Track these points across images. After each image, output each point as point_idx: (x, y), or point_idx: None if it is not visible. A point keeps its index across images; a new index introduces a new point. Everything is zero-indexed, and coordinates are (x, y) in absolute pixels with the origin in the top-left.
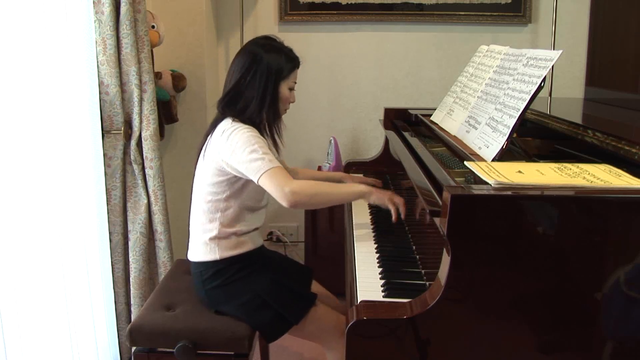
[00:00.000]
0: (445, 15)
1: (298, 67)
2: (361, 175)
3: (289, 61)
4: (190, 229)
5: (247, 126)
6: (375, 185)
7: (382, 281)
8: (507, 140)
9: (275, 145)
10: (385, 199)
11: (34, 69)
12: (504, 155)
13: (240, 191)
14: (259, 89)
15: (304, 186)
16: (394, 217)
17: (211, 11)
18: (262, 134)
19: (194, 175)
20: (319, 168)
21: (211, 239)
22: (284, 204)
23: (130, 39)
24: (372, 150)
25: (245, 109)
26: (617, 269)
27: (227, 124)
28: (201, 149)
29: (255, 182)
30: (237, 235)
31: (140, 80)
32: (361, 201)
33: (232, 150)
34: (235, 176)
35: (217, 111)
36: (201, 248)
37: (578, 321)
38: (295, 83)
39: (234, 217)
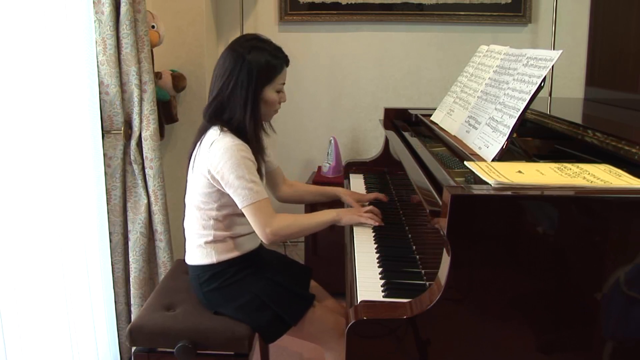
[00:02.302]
0: (445, 15)
1: (286, 66)
2: (364, 193)
3: (274, 61)
4: (185, 233)
5: (236, 141)
6: (380, 199)
7: (382, 281)
8: (507, 140)
9: (260, 157)
10: (355, 217)
11: (34, 69)
12: (504, 155)
13: (230, 199)
14: (241, 95)
15: (283, 227)
16: (377, 224)
17: (211, 11)
18: (250, 144)
19: (186, 181)
20: (319, 168)
21: (207, 243)
22: (263, 240)
23: (130, 39)
24: (372, 150)
25: (232, 118)
26: (617, 269)
27: (215, 134)
28: (190, 157)
29: (239, 208)
30: (233, 238)
31: (140, 80)
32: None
33: (220, 167)
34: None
35: (203, 116)
36: (197, 252)
37: (578, 321)
38: (284, 84)
39: (227, 223)
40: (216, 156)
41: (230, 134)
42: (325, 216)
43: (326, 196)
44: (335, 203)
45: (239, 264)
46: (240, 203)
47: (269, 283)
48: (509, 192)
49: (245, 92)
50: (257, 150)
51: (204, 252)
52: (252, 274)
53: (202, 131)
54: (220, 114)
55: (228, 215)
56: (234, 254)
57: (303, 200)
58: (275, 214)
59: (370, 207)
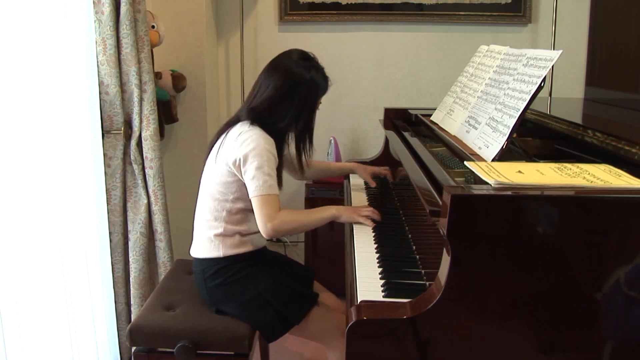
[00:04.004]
0: (445, 15)
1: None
2: (364, 192)
3: (325, 82)
4: (194, 224)
5: (264, 135)
6: (386, 174)
7: (382, 281)
8: (507, 140)
9: (299, 165)
10: (354, 216)
11: (34, 69)
12: (504, 155)
13: (247, 192)
14: (295, 110)
15: (284, 222)
16: (370, 225)
17: (211, 11)
18: (281, 145)
19: (202, 171)
20: None
21: (216, 235)
22: (262, 234)
23: (130, 39)
24: (372, 150)
25: (275, 124)
26: (617, 269)
27: (244, 126)
28: (212, 146)
29: (250, 196)
30: (242, 234)
31: (140, 80)
32: (362, 201)
33: (244, 154)
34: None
35: (237, 113)
36: (205, 244)
37: (578, 321)
38: (320, 102)
39: (239, 217)
40: (243, 144)
41: (260, 128)
42: (325, 212)
43: (342, 170)
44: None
45: (244, 261)
46: (251, 192)
47: (273, 281)
48: (509, 192)
49: (301, 108)
50: (300, 156)
51: (212, 245)
52: (256, 272)
53: (231, 123)
54: (265, 118)
55: (241, 210)
56: (241, 250)
57: (319, 176)
58: (280, 211)
59: (370, 209)
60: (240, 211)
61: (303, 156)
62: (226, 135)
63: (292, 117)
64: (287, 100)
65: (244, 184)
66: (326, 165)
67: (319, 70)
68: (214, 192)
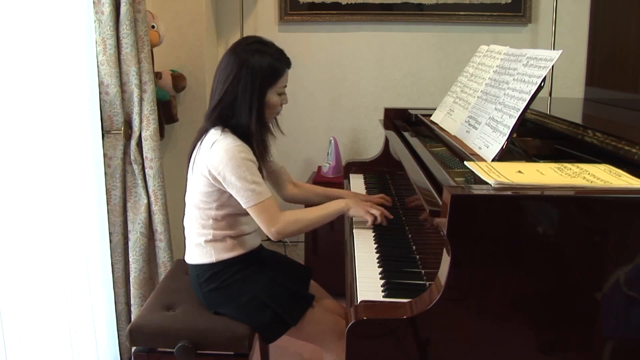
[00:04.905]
0: (445, 15)
1: (288, 69)
2: (364, 192)
3: (277, 64)
4: (185, 232)
5: (237, 142)
6: (384, 202)
7: (382, 281)
8: (507, 140)
9: (264, 160)
10: (362, 212)
11: (34, 69)
12: (504, 155)
13: (230, 199)
14: (246, 100)
15: (289, 223)
16: (369, 224)
17: (211, 11)
18: (253, 147)
19: (186, 180)
20: (319, 168)
21: (206, 241)
22: (271, 238)
23: (130, 39)
24: (372, 150)
25: (239, 124)
26: (617, 269)
27: (216, 134)
28: (190, 157)
29: (244, 208)
30: (232, 237)
31: (140, 80)
32: None
33: (221, 168)
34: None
35: (204, 118)
36: (197, 251)
37: (578, 321)
38: (285, 86)
39: (226, 222)
40: (217, 157)
41: (232, 135)
42: (334, 207)
43: (332, 199)
44: None
45: (239, 263)
46: (244, 204)
47: (269, 283)
48: (509, 192)
49: (250, 97)
50: (261, 152)
51: (204, 251)
52: (252, 274)
53: (203, 132)
54: (226, 120)
55: (227, 215)
56: (234, 253)
57: (309, 202)
58: (280, 212)
59: (381, 209)
60: (226, 216)
61: (268, 157)
62: (200, 144)
63: (246, 109)
64: (235, 86)
65: (224, 192)
66: (314, 190)
67: (266, 54)
68: (197, 202)
